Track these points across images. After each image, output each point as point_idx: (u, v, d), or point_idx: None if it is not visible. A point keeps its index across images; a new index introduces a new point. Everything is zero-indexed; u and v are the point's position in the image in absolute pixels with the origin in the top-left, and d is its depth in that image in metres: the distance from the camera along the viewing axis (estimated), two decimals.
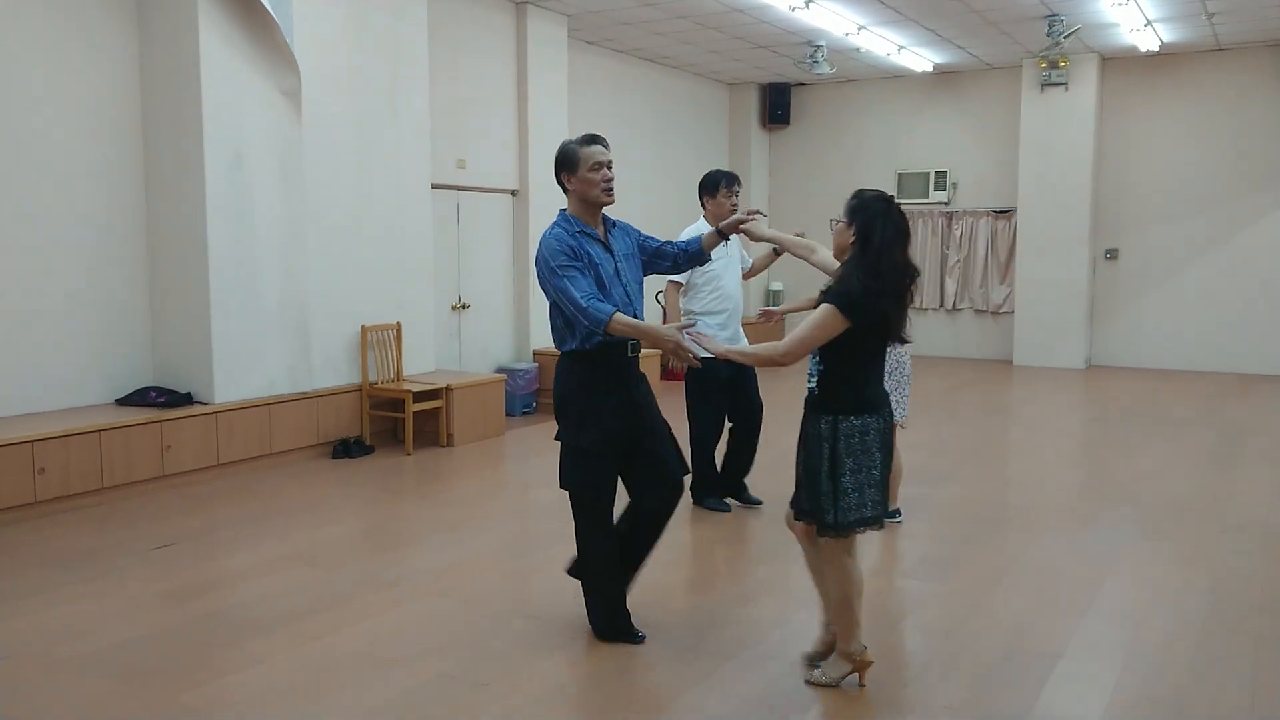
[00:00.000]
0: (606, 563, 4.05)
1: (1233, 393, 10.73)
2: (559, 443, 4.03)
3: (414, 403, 7.75)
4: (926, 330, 14.01)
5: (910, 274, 3.50)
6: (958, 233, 13.61)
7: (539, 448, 7.77)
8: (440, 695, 3.62)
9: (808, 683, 3.70)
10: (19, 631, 4.23)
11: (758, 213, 4.37)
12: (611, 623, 4.07)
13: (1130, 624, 4.34)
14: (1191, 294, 12.40)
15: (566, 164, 3.93)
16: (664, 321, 5.72)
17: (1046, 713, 3.49)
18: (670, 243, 4.31)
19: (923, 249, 13.80)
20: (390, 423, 8.09)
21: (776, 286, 14.25)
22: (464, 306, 9.57)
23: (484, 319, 9.79)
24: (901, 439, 6.84)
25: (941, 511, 6.10)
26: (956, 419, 9.56)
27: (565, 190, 4.00)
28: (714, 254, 4.86)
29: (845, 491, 3.50)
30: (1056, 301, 12.71)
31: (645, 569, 4.25)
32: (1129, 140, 12.61)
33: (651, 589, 4.52)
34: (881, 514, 3.64)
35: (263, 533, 5.69)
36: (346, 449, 7.61)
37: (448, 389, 8.00)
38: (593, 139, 3.94)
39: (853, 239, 3.49)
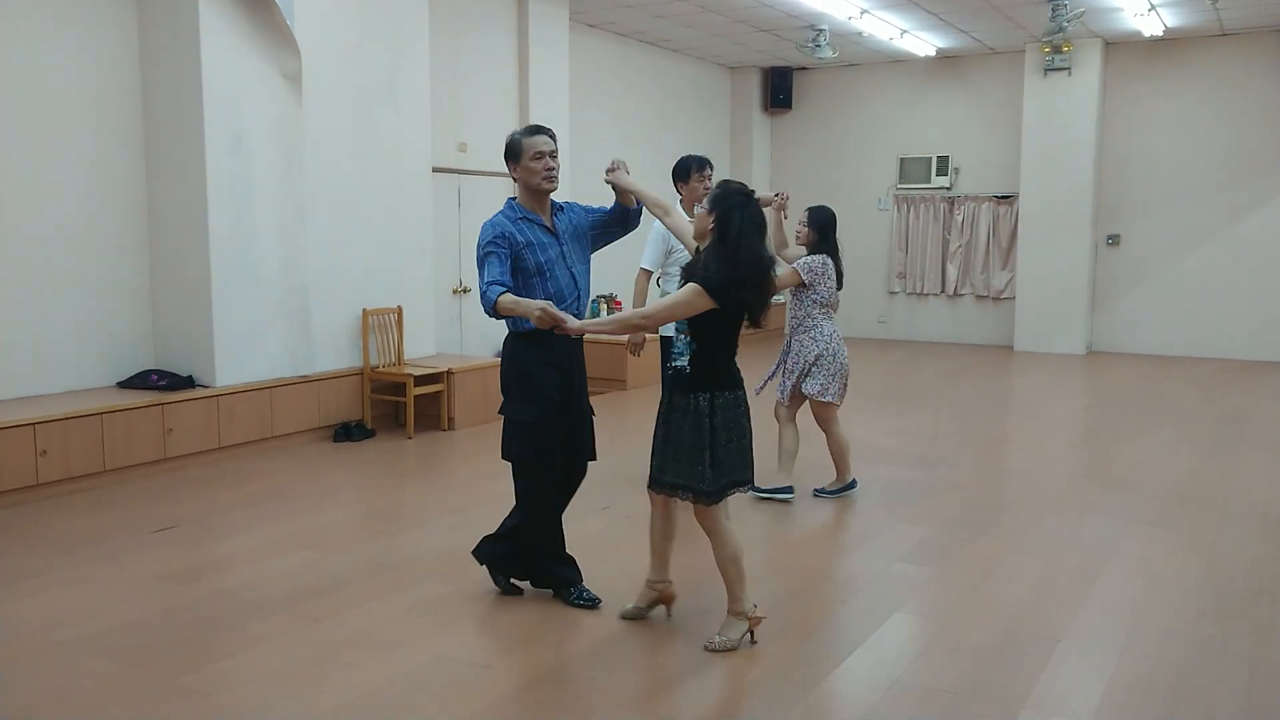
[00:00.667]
0: (547, 530, 4.29)
1: (1233, 379, 10.73)
2: (502, 416, 4.26)
3: (415, 386, 7.76)
4: (927, 315, 14.01)
5: (765, 264, 3.72)
6: (959, 218, 13.59)
7: None
8: (441, 677, 3.64)
9: (707, 649, 3.82)
10: (21, 613, 4.25)
11: (620, 165, 4.40)
12: (549, 569, 4.33)
13: (1128, 610, 4.35)
14: (1193, 280, 12.39)
15: (512, 154, 4.16)
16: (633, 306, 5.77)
17: (1044, 697, 3.50)
18: (603, 208, 4.42)
19: (924, 234, 13.79)
20: (391, 406, 8.10)
21: None
22: (465, 290, 9.57)
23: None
24: (897, 424, 6.87)
25: (940, 497, 6.11)
26: (956, 404, 9.57)
27: (514, 179, 4.21)
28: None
29: (721, 461, 3.77)
30: (1058, 287, 12.70)
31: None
32: (1132, 126, 12.58)
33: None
34: (750, 475, 3.95)
35: (264, 516, 5.70)
36: (348, 432, 7.63)
37: (449, 373, 8.01)
38: (537, 129, 4.17)
39: (712, 226, 3.68)
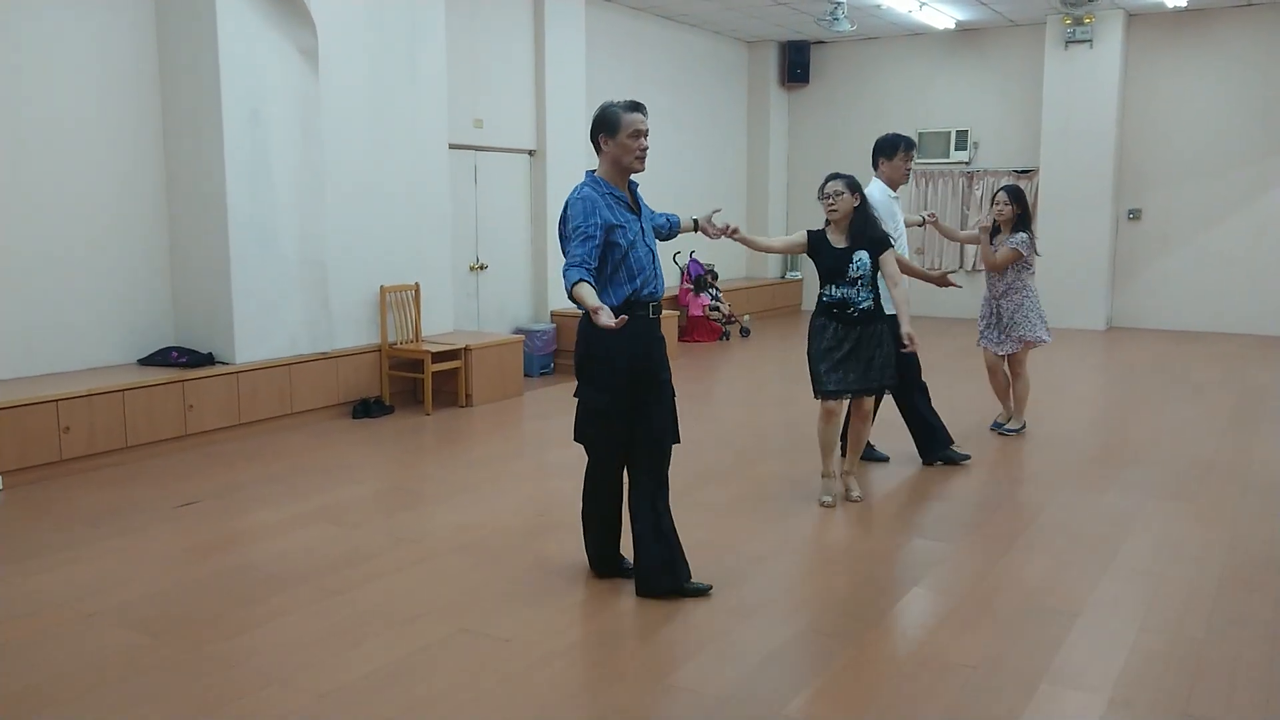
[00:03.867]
0: (600, 512, 4.28)
1: (1254, 354, 10.64)
2: (577, 399, 4.14)
3: (433, 363, 7.79)
4: (946, 291, 13.88)
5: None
6: (978, 193, 13.47)
7: (557, 408, 7.79)
8: (461, 650, 3.67)
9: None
10: (49, 586, 4.30)
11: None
12: (599, 564, 4.36)
13: (1149, 583, 4.34)
14: (1215, 255, 12.26)
15: (607, 126, 3.96)
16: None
17: (1064, 670, 3.50)
18: (659, 214, 4.47)
19: (943, 209, 13.67)
20: (410, 383, 8.13)
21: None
22: (482, 267, 9.58)
23: (502, 279, 9.79)
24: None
25: (960, 471, 6.10)
26: (975, 380, 9.52)
27: (599, 151, 4.02)
28: (900, 215, 6.14)
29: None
30: (1078, 262, 12.59)
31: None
32: (1154, 99, 12.42)
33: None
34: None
35: (285, 491, 5.75)
36: (366, 409, 7.67)
37: (466, 349, 8.03)
38: (636, 105, 3.98)
39: (858, 203, 5.19)
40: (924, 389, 6.24)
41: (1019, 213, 6.66)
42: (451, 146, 8.74)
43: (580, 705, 3.32)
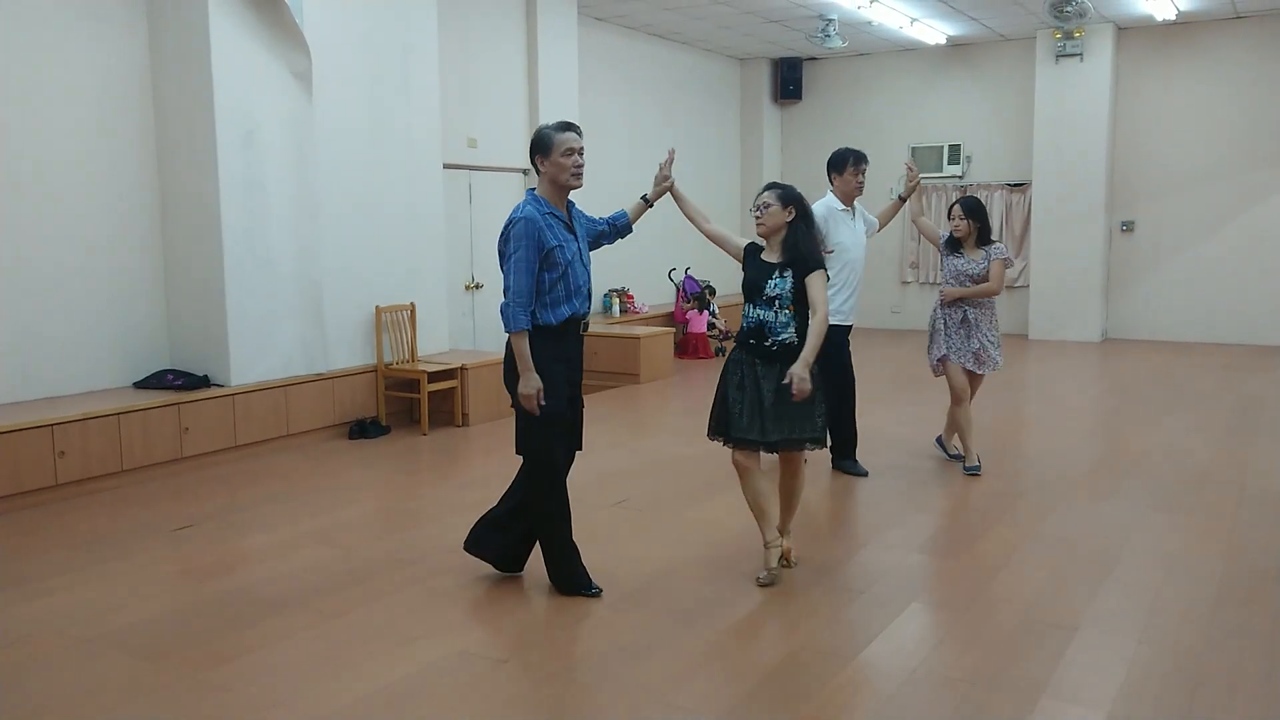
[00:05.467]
0: (564, 520, 4.34)
1: (1249, 365, 10.66)
2: (515, 410, 4.28)
3: (429, 383, 7.78)
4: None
5: None
6: None
7: None
8: (459, 671, 3.65)
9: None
10: (42, 611, 4.28)
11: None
12: (573, 576, 4.34)
13: (1147, 596, 4.34)
14: (1208, 266, 12.30)
15: (542, 148, 4.17)
16: None
17: (1063, 684, 3.50)
18: (601, 219, 4.57)
19: (937, 222, 13.69)
20: (406, 403, 8.12)
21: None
22: (477, 286, 9.59)
23: (497, 298, 9.69)
24: (912, 414, 6.84)
25: (956, 485, 6.10)
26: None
27: (538, 172, 4.23)
28: (845, 228, 5.99)
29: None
30: (1072, 274, 12.63)
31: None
32: (1145, 111, 12.49)
33: (680, 563, 4.55)
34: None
35: (282, 513, 5.73)
36: (363, 429, 7.66)
37: (462, 369, 8.02)
38: (568, 126, 4.19)
39: (792, 217, 4.36)
40: (852, 391, 6.31)
41: (979, 227, 6.31)
42: (446, 166, 8.76)
43: None
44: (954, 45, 13.30)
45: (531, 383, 4.05)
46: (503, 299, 4.14)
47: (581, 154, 4.16)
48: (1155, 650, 3.76)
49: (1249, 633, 3.90)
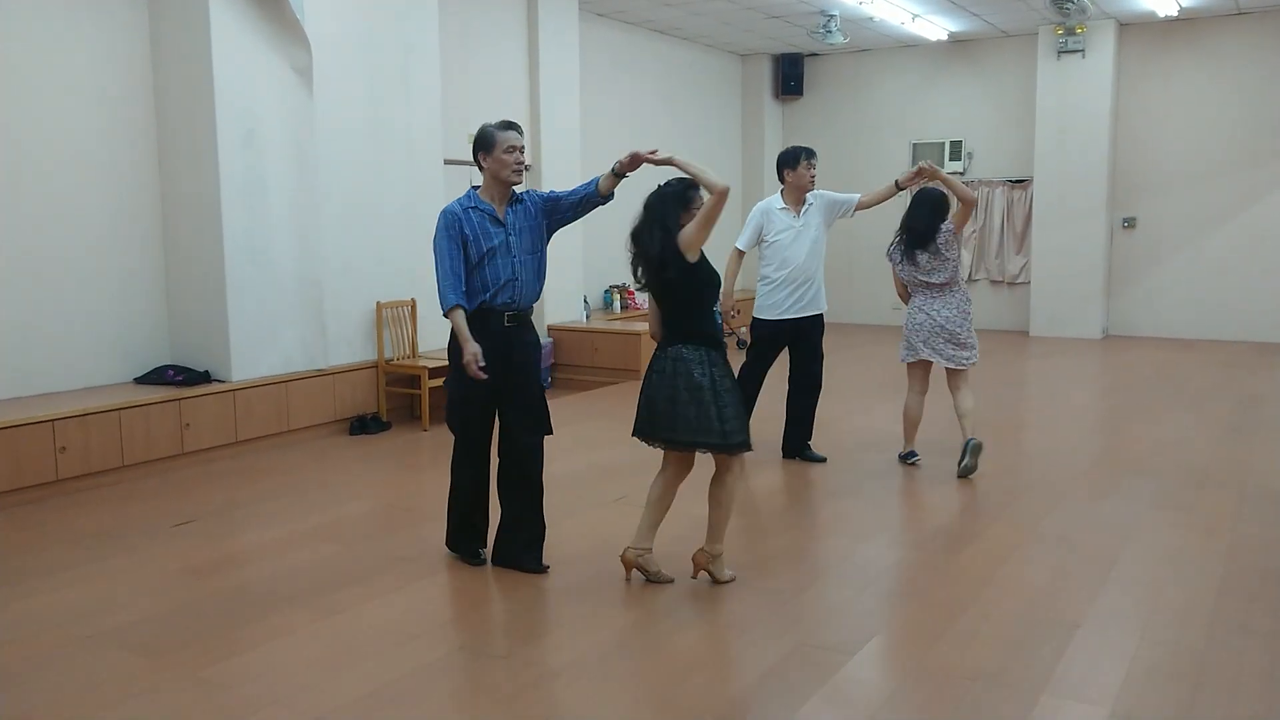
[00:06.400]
0: (461, 490, 4.66)
1: (1251, 362, 10.65)
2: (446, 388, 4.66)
3: (430, 379, 7.77)
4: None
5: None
6: None
7: (555, 421, 7.77)
8: (459, 668, 3.65)
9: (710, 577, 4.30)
10: (43, 608, 4.28)
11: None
12: (452, 535, 4.74)
13: (1148, 593, 4.34)
14: (1210, 262, 12.29)
15: (484, 145, 4.40)
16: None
17: (1065, 681, 3.49)
18: (567, 192, 4.61)
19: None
20: (406, 399, 8.12)
21: None
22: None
23: None
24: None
25: (957, 482, 6.09)
26: (972, 390, 9.51)
27: (481, 168, 4.45)
28: (782, 225, 6.09)
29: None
30: (1073, 271, 12.62)
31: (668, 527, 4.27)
32: (1147, 107, 12.47)
33: (680, 557, 4.54)
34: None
35: (282, 509, 5.73)
36: (363, 425, 7.65)
37: None
38: (509, 125, 4.42)
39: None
40: (819, 386, 6.51)
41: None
42: (447, 162, 8.74)
43: None
44: (955, 41, 13.28)
45: (469, 349, 4.27)
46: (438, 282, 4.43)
47: (522, 152, 4.41)
48: (1156, 647, 3.76)
49: (1250, 630, 3.90)
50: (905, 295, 6.35)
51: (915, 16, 11.71)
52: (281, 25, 7.05)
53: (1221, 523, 5.26)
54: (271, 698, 3.44)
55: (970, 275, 13.68)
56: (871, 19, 11.66)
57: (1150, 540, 5.02)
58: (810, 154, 6.32)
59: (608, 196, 4.54)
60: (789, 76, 14.25)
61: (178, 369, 6.91)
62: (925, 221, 6.05)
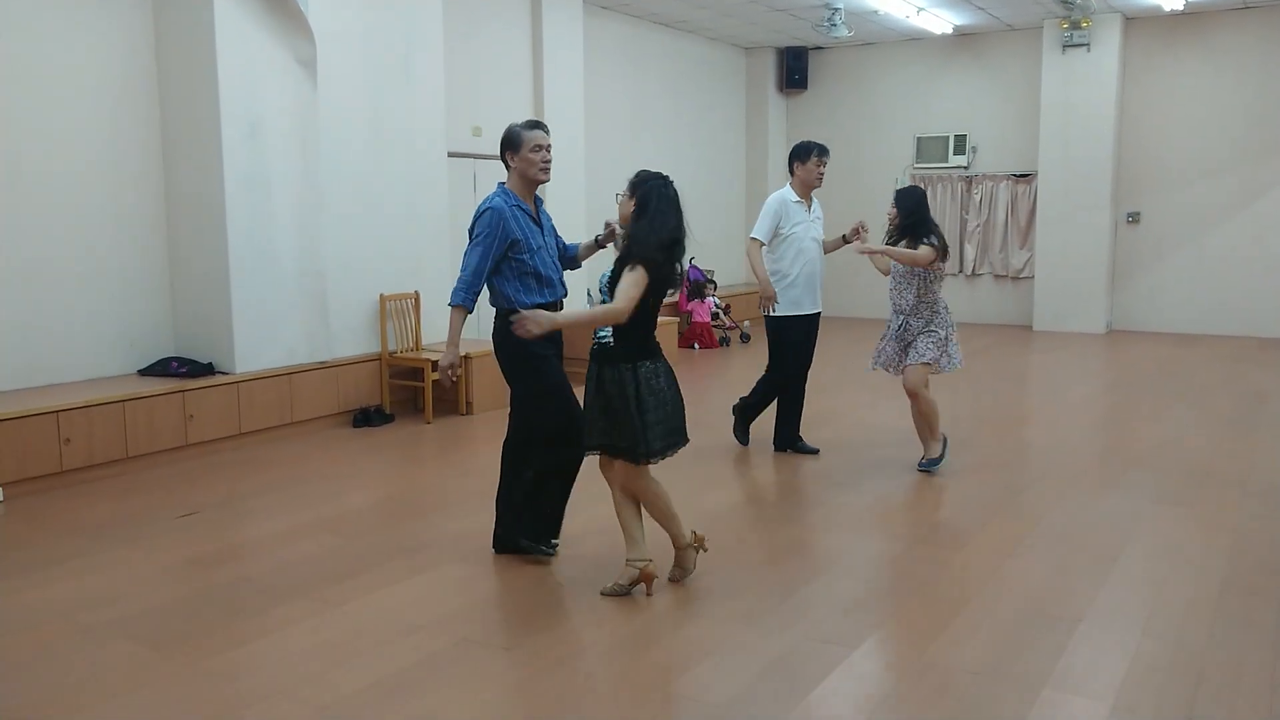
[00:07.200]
0: (549, 478, 4.55)
1: (1254, 357, 10.64)
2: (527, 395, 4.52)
3: (433, 371, 7.78)
4: (946, 295, 13.89)
5: (681, 237, 4.01)
6: (977, 197, 13.50)
7: None
8: (462, 660, 3.66)
9: (602, 594, 4.16)
10: (47, 598, 4.30)
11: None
12: (534, 528, 4.59)
13: (1150, 588, 4.34)
14: (1214, 258, 12.27)
15: (511, 144, 4.43)
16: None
17: (1066, 676, 3.50)
18: (568, 245, 4.75)
19: (942, 214, 13.69)
20: (410, 391, 8.13)
21: None
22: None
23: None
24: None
25: (959, 477, 6.10)
26: (975, 385, 9.52)
27: (508, 167, 4.48)
28: (798, 217, 6.11)
29: (650, 425, 3.99)
30: (1077, 266, 12.61)
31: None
32: (1152, 102, 12.44)
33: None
34: (677, 441, 4.15)
35: (286, 501, 5.74)
36: (367, 418, 7.66)
37: (467, 357, 8.02)
38: (536, 124, 4.47)
39: (633, 207, 4.01)
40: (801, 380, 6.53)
41: (903, 222, 5.93)
42: (450, 155, 8.74)
43: (582, 714, 3.31)
44: (960, 35, 13.25)
45: (452, 355, 4.37)
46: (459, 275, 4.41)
47: (549, 150, 4.41)
48: (1158, 643, 3.76)
49: (1252, 625, 3.90)
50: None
51: (920, 10, 11.69)
52: (285, 17, 7.04)
53: (1224, 518, 5.26)
54: (275, 688, 3.45)
55: (974, 270, 13.68)
56: (876, 12, 11.64)
57: (1152, 536, 5.02)
58: (823, 151, 6.28)
59: (576, 263, 4.74)
60: (793, 70, 14.23)
61: (182, 361, 6.92)
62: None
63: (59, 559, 4.78)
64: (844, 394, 8.37)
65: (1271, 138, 11.83)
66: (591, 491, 4.54)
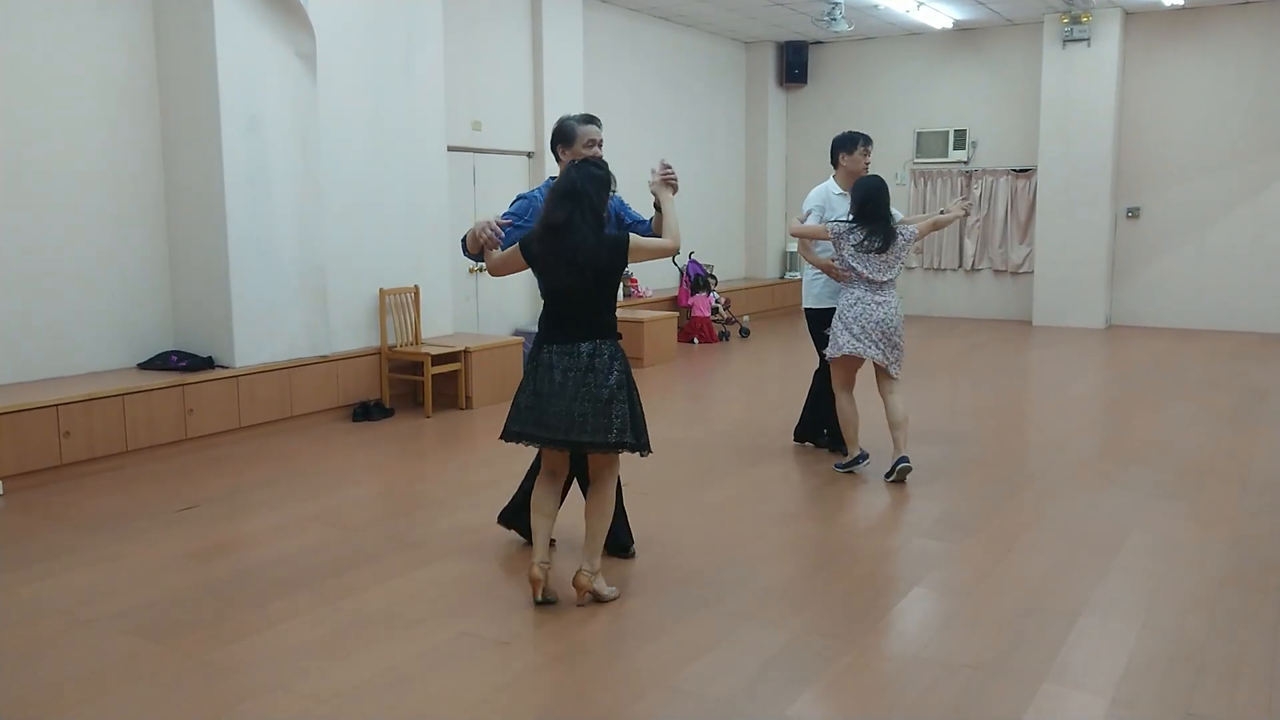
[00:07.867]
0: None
1: (1254, 352, 10.64)
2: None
3: (433, 365, 7.78)
4: (945, 290, 13.94)
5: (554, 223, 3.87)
6: (977, 192, 13.49)
7: None
8: (462, 653, 3.66)
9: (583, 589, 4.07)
10: (47, 592, 4.30)
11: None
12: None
13: (1150, 582, 4.34)
14: (1213, 253, 12.26)
15: (565, 138, 4.31)
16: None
17: (1066, 669, 3.50)
18: (635, 221, 4.50)
19: (942, 209, 13.68)
20: (409, 385, 8.13)
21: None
22: (481, 269, 9.57)
23: (501, 282, 9.77)
24: (916, 400, 6.86)
25: (960, 472, 6.10)
26: (975, 379, 9.53)
27: (559, 160, 4.35)
28: (841, 211, 5.88)
29: (516, 404, 4.12)
30: (1077, 261, 12.60)
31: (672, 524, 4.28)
32: (1152, 97, 12.43)
33: (676, 545, 4.55)
34: (533, 435, 4.10)
35: (285, 494, 5.75)
36: (366, 412, 7.66)
37: (466, 351, 8.02)
38: (590, 118, 4.34)
39: None
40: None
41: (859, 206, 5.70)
42: (450, 149, 8.74)
43: (582, 708, 3.31)
44: (960, 29, 13.23)
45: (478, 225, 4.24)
46: None
47: (601, 145, 4.31)
48: (1157, 636, 3.77)
49: (1251, 620, 3.91)
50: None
51: (920, 4, 11.66)
52: (285, 12, 7.03)
53: (1223, 513, 5.27)
54: (275, 682, 3.45)
55: (974, 265, 13.67)
56: (876, 6, 11.62)
57: (1152, 530, 5.02)
58: (868, 140, 6.17)
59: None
60: (793, 64, 14.21)
61: (181, 354, 6.92)
62: (888, 219, 5.74)
63: (58, 552, 4.78)
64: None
65: (1272, 133, 11.82)
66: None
